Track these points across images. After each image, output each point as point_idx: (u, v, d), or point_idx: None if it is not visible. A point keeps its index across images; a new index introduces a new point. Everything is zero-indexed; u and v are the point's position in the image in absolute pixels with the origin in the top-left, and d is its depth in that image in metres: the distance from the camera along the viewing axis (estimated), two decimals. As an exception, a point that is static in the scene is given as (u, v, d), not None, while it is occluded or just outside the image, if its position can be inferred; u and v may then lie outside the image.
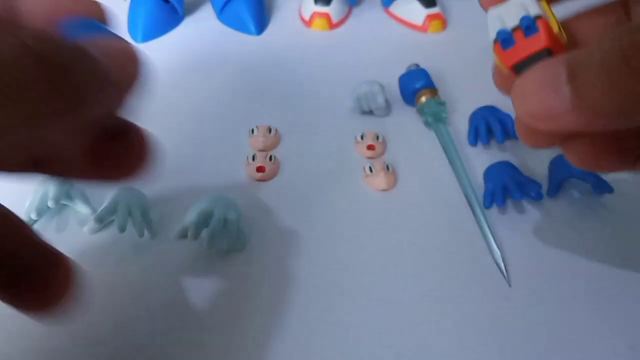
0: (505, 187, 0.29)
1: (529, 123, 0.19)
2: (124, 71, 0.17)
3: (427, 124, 0.34)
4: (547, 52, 0.20)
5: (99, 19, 0.19)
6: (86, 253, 0.27)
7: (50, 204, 0.27)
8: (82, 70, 0.15)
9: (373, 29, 0.43)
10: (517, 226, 0.28)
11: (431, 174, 0.30)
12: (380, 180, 0.30)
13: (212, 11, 0.43)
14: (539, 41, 0.20)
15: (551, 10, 0.21)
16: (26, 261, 0.17)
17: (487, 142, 0.32)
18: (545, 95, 0.18)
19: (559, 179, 0.29)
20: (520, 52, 0.20)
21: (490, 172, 0.30)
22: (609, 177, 0.30)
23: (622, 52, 0.16)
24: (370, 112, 0.35)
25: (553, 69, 0.18)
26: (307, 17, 0.43)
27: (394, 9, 0.43)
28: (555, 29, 0.20)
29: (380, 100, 0.34)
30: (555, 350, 0.24)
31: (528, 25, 0.20)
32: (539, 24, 0.20)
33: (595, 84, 0.17)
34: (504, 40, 0.21)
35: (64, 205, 0.28)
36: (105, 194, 0.28)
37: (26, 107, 0.15)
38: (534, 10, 0.21)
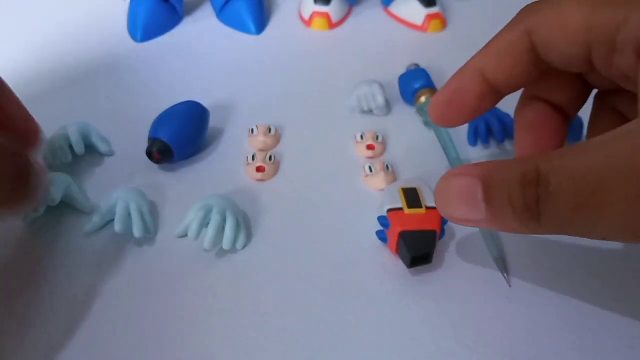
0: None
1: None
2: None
3: (427, 124, 0.34)
4: (400, 235, 0.25)
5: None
6: (85, 253, 0.27)
7: (50, 202, 0.27)
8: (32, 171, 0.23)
9: (373, 28, 0.42)
10: (517, 226, 0.28)
11: (431, 174, 0.30)
12: (380, 180, 0.30)
13: (212, 11, 0.43)
14: (394, 233, 0.26)
15: (405, 195, 0.27)
16: None
17: (487, 142, 0.32)
18: (465, 209, 0.21)
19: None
20: (393, 236, 0.26)
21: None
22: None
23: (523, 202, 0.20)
24: (370, 112, 0.35)
25: (470, 185, 0.21)
26: (306, 16, 0.43)
27: (393, 8, 0.43)
28: (407, 211, 0.26)
29: (380, 100, 0.34)
30: (555, 350, 0.24)
31: (383, 224, 0.26)
32: (390, 218, 0.26)
33: (507, 210, 0.20)
34: (383, 224, 0.26)
35: (65, 204, 0.28)
36: (105, 193, 0.28)
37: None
38: (387, 206, 0.27)
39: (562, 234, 0.20)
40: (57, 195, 0.27)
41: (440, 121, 0.26)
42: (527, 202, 0.19)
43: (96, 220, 0.27)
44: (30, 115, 0.27)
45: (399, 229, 0.25)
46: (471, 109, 0.25)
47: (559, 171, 0.19)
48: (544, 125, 0.26)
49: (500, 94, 0.25)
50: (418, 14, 0.42)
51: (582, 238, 0.28)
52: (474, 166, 0.21)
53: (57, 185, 0.27)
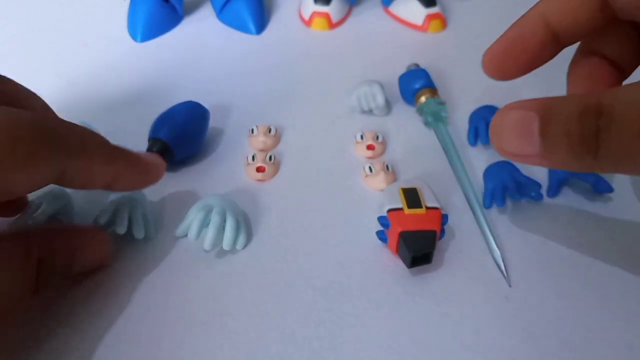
0: (505, 187, 0.29)
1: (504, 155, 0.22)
2: None
3: (427, 123, 0.34)
4: (400, 235, 0.25)
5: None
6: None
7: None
8: None
9: (373, 28, 0.42)
10: (517, 226, 0.28)
11: (431, 174, 0.30)
12: (380, 180, 0.30)
13: (212, 11, 0.43)
14: (394, 233, 0.26)
15: (404, 195, 0.27)
16: None
17: (487, 142, 0.32)
18: (519, 142, 0.21)
19: (559, 178, 0.29)
20: (393, 236, 0.26)
21: (490, 172, 0.30)
22: (609, 177, 0.30)
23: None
24: (370, 112, 0.35)
25: (527, 118, 0.20)
26: (306, 16, 0.43)
27: (393, 8, 0.43)
28: (406, 211, 0.26)
29: (380, 100, 0.34)
30: (555, 350, 0.24)
31: (383, 224, 0.26)
32: (390, 218, 0.26)
33: (562, 144, 0.19)
34: (383, 224, 0.27)
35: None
36: (105, 194, 0.28)
37: None
38: (387, 206, 0.27)
39: (615, 171, 0.19)
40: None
41: (496, 73, 0.24)
42: (585, 135, 0.19)
43: (97, 220, 0.27)
44: None
45: (399, 229, 0.25)
46: (532, 58, 0.24)
47: (624, 101, 0.18)
48: (599, 80, 0.25)
49: (560, 45, 0.24)
50: (418, 14, 0.42)
51: (580, 239, 0.28)
52: (531, 100, 0.20)
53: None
